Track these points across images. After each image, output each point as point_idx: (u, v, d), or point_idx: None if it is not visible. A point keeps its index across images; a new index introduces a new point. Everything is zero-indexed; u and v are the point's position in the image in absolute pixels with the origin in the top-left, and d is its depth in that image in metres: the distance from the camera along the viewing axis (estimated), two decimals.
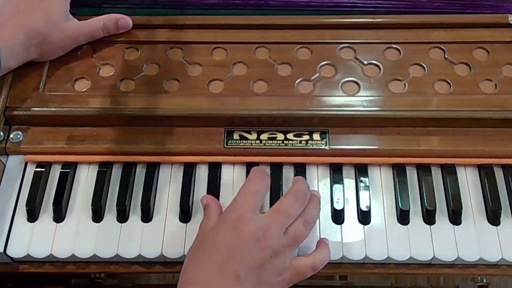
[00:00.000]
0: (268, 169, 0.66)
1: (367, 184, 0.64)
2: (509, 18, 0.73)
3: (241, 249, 0.52)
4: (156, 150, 0.66)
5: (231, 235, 0.53)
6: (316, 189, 0.65)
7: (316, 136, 0.66)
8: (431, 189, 0.64)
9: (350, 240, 0.61)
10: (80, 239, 0.62)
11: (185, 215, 0.63)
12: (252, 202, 0.55)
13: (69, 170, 0.66)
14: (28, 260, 0.63)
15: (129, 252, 0.61)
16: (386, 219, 0.63)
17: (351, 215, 0.63)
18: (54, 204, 0.64)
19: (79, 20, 0.71)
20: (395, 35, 0.72)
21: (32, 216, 0.63)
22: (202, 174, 0.66)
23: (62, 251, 0.62)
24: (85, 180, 0.66)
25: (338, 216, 0.63)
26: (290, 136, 0.66)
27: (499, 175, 0.65)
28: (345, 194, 0.64)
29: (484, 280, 0.90)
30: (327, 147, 0.65)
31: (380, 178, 0.65)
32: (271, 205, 0.60)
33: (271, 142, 0.66)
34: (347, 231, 0.62)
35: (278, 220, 0.54)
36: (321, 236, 0.61)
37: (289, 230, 0.55)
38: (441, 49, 0.71)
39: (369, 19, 0.73)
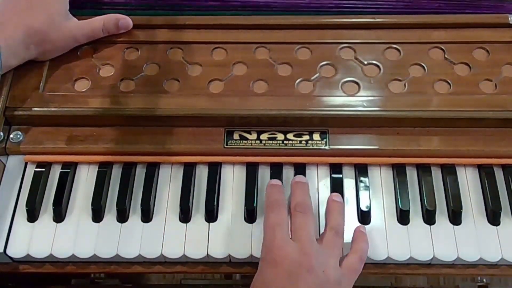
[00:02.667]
0: (268, 169, 0.66)
1: (367, 184, 0.64)
2: (509, 18, 0.73)
3: (292, 281, 0.52)
4: (156, 150, 0.66)
5: (277, 276, 0.53)
6: (316, 189, 0.65)
7: (316, 136, 0.66)
8: (431, 189, 0.64)
9: (350, 240, 0.61)
10: (80, 239, 0.62)
11: (185, 215, 0.63)
12: (280, 234, 0.55)
13: (69, 170, 0.66)
14: (28, 260, 0.63)
15: (129, 252, 0.61)
16: (386, 219, 0.63)
17: (351, 215, 0.63)
18: (54, 204, 0.64)
19: (79, 20, 0.71)
20: (395, 35, 0.72)
21: (32, 216, 0.63)
22: (202, 174, 0.66)
23: (62, 251, 0.62)
24: (85, 180, 0.66)
25: None
26: (290, 136, 0.66)
27: (499, 175, 0.65)
28: (345, 194, 0.64)
29: (484, 280, 0.90)
30: (327, 147, 0.65)
31: (380, 178, 0.65)
32: None
33: (271, 142, 0.66)
34: (347, 231, 0.62)
35: (304, 239, 0.55)
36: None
37: (324, 241, 0.57)
38: (441, 49, 0.71)
39: (369, 19, 0.73)
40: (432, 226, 0.62)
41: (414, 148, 0.65)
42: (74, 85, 0.69)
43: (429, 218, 0.62)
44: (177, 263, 0.63)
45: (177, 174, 0.66)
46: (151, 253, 0.61)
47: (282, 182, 0.64)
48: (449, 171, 0.65)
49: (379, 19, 0.73)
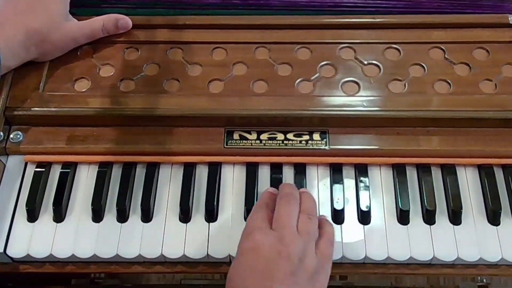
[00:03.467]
0: (268, 169, 0.66)
1: (367, 184, 0.64)
2: (509, 18, 0.73)
3: (268, 268, 0.52)
4: (156, 150, 0.66)
5: (256, 263, 0.53)
6: (316, 189, 0.65)
7: (316, 136, 0.66)
8: (431, 189, 0.64)
9: (350, 240, 0.61)
10: (80, 239, 0.62)
11: (185, 215, 0.63)
12: (259, 221, 0.56)
13: (69, 170, 0.66)
14: (28, 260, 0.63)
15: (129, 252, 0.61)
16: (386, 219, 0.63)
17: (351, 215, 0.63)
18: (54, 204, 0.64)
19: (79, 20, 0.71)
20: (395, 35, 0.72)
21: (32, 216, 0.63)
22: (202, 174, 0.66)
23: (62, 251, 0.62)
24: (85, 180, 0.66)
25: (338, 216, 0.63)
26: (290, 136, 0.66)
27: (499, 175, 0.65)
28: (345, 194, 0.64)
29: (484, 280, 0.90)
30: (327, 147, 0.65)
31: (380, 178, 0.65)
32: None
33: (271, 142, 0.66)
34: (347, 231, 0.62)
35: (285, 227, 0.55)
36: None
37: (299, 228, 0.56)
38: (441, 49, 0.71)
39: (369, 19, 0.73)
40: (432, 226, 0.62)
41: (414, 148, 0.65)
42: (74, 85, 0.69)
43: (429, 218, 0.62)
44: (177, 263, 0.63)
45: (177, 174, 0.66)
46: (151, 253, 0.61)
47: (282, 182, 0.65)
48: (449, 171, 0.65)
49: (379, 19, 0.73)
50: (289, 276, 0.52)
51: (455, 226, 0.62)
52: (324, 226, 0.59)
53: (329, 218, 0.63)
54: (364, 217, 0.63)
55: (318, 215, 0.62)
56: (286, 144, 0.66)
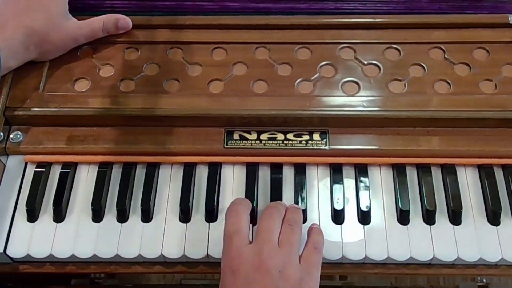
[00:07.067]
0: (268, 169, 0.66)
1: (367, 184, 0.64)
2: (509, 18, 0.73)
3: (248, 286, 0.52)
4: (156, 150, 0.66)
5: (235, 284, 0.53)
6: (316, 189, 0.65)
7: (316, 136, 0.66)
8: (431, 189, 0.64)
9: (350, 240, 0.61)
10: (80, 239, 0.62)
11: (185, 215, 0.63)
12: (237, 241, 0.55)
13: (69, 170, 0.66)
14: (28, 260, 0.63)
15: (129, 252, 0.61)
16: (386, 219, 0.63)
17: (351, 215, 0.63)
18: (54, 204, 0.64)
19: (78, 20, 0.71)
20: (395, 35, 0.72)
21: (32, 216, 0.63)
22: (202, 174, 0.66)
23: (62, 251, 0.62)
24: (85, 180, 0.66)
25: (338, 216, 0.63)
26: (290, 136, 0.66)
27: (499, 175, 0.65)
28: (345, 194, 0.64)
29: (484, 280, 0.90)
30: (327, 147, 0.65)
31: (380, 178, 0.65)
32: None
33: (271, 142, 0.66)
34: (347, 231, 0.62)
35: (265, 240, 0.55)
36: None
37: (280, 238, 0.56)
38: (441, 49, 0.71)
39: (369, 19, 0.73)
40: (432, 226, 0.62)
41: (414, 148, 0.65)
42: (74, 85, 0.69)
43: (429, 218, 0.62)
44: (177, 263, 0.63)
45: (177, 174, 0.66)
46: (151, 253, 0.61)
47: (282, 182, 0.65)
48: (449, 171, 0.65)
49: (379, 19, 0.73)
50: (270, 287, 0.52)
51: (455, 226, 0.62)
52: (311, 234, 0.59)
53: (329, 218, 0.63)
54: (364, 217, 0.63)
55: (317, 222, 0.62)
56: (286, 144, 0.66)
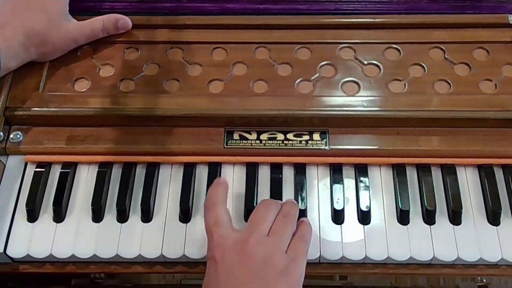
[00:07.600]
0: (268, 169, 0.66)
1: (367, 184, 0.64)
2: (509, 18, 0.73)
3: (231, 273, 0.52)
4: (156, 150, 0.66)
5: (217, 273, 0.53)
6: (316, 189, 0.65)
7: (316, 136, 0.66)
8: (431, 189, 0.64)
9: (350, 240, 0.61)
10: (80, 239, 0.62)
11: (185, 215, 0.63)
12: (218, 232, 0.55)
13: (69, 170, 0.66)
14: (28, 260, 0.63)
15: (129, 252, 0.61)
16: (386, 219, 0.63)
17: (351, 215, 0.63)
18: (54, 204, 0.64)
19: (78, 20, 0.71)
20: (395, 35, 0.72)
21: (32, 216, 0.63)
22: (202, 174, 0.66)
23: (62, 251, 0.62)
24: (85, 180, 0.66)
25: (338, 216, 0.63)
26: (290, 136, 0.66)
27: (499, 175, 0.65)
28: (345, 194, 0.64)
29: (484, 280, 0.90)
30: (327, 147, 0.65)
31: (380, 178, 0.65)
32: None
33: (271, 142, 0.66)
34: (347, 231, 0.62)
35: (254, 229, 0.55)
36: (322, 237, 0.62)
37: (272, 228, 0.56)
38: (441, 49, 0.71)
39: (369, 19, 0.73)
40: (432, 226, 0.62)
41: (414, 148, 0.65)
42: (74, 85, 0.69)
43: (429, 218, 0.62)
44: (177, 263, 0.63)
45: (177, 174, 0.66)
46: (151, 253, 0.61)
47: (282, 182, 0.65)
48: (449, 171, 0.65)
49: (379, 19, 0.73)
50: (254, 273, 0.52)
51: (455, 226, 0.62)
52: (300, 225, 0.59)
53: (329, 218, 0.63)
54: (364, 217, 0.63)
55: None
56: (286, 144, 0.66)
